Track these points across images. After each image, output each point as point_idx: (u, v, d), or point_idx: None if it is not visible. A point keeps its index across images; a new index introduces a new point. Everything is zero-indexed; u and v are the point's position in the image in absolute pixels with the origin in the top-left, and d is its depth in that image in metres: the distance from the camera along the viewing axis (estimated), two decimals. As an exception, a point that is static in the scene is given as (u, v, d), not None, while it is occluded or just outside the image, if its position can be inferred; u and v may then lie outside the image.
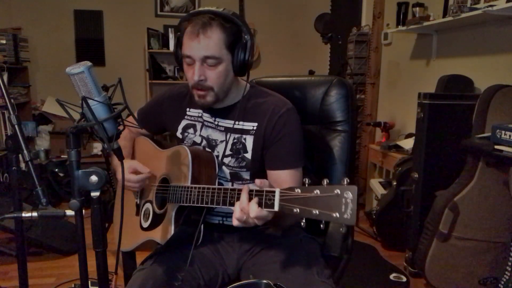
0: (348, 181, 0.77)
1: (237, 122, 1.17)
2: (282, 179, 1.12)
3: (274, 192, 0.87)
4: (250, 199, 0.91)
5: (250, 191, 0.92)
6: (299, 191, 0.82)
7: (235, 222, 0.93)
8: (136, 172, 1.20)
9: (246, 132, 1.17)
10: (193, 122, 1.26)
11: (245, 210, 0.90)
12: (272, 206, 0.87)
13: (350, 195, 0.75)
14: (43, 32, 4.24)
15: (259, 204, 0.89)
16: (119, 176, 1.19)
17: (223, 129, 1.20)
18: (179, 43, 1.13)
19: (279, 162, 1.14)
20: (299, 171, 1.15)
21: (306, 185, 0.83)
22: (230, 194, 0.97)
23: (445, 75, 2.49)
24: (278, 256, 1.14)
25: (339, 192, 0.76)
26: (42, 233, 2.51)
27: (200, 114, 1.25)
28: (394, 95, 3.43)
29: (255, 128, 1.16)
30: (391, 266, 2.41)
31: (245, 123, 1.18)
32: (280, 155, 1.14)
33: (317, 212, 0.79)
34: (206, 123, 1.24)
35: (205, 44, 1.06)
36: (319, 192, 0.79)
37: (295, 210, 0.82)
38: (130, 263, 1.38)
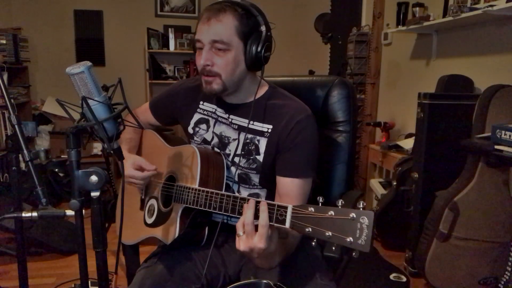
0: (365, 204, 0.74)
1: (251, 122, 1.13)
2: (290, 187, 1.10)
3: (286, 207, 0.84)
4: (256, 216, 0.87)
5: (257, 202, 0.89)
6: (313, 210, 0.79)
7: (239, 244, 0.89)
8: (141, 168, 1.18)
9: (260, 133, 1.13)
10: (206, 117, 1.23)
11: (248, 228, 0.86)
12: (283, 222, 0.83)
13: (366, 220, 0.72)
14: (43, 32, 4.23)
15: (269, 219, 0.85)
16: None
17: (236, 127, 1.17)
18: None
19: (289, 169, 1.10)
20: (308, 182, 1.11)
21: (320, 204, 0.80)
22: (239, 203, 0.95)
23: (445, 75, 2.49)
24: None
25: (354, 216, 0.73)
26: (42, 233, 2.51)
27: (214, 110, 1.22)
28: (394, 95, 3.43)
29: (270, 130, 1.12)
30: (391, 266, 2.40)
31: (260, 124, 1.13)
32: (291, 163, 1.10)
33: (330, 234, 0.76)
34: (219, 119, 1.21)
35: (215, 28, 1.03)
36: (333, 214, 0.76)
37: (307, 230, 0.79)
38: (134, 259, 1.37)
